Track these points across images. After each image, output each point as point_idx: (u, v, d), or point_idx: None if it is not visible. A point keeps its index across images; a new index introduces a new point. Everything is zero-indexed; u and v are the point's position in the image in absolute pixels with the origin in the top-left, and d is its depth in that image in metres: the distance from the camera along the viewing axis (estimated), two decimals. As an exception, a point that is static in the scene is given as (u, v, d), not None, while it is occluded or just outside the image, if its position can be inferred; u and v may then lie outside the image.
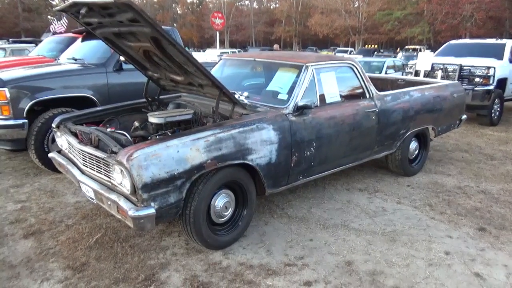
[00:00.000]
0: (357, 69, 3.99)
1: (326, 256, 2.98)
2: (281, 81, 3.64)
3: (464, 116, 5.43)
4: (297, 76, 3.51)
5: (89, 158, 2.96)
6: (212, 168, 2.78)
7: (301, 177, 3.52)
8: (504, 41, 8.87)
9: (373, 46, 38.23)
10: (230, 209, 3.08)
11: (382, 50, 33.52)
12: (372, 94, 4.05)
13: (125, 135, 3.04)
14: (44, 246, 3.08)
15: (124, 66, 5.07)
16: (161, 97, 4.04)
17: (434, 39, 38.16)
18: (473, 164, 5.39)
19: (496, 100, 8.03)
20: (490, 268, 2.85)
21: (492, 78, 7.70)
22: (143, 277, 2.68)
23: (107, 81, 4.98)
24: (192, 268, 2.81)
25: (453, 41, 9.88)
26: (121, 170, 2.56)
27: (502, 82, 8.06)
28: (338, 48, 38.17)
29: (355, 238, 3.26)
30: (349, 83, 4.00)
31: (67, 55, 5.67)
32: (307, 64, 3.54)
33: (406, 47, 34.50)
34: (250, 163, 2.99)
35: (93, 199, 3.01)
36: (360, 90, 4.02)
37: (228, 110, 3.24)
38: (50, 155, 3.72)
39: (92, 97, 4.82)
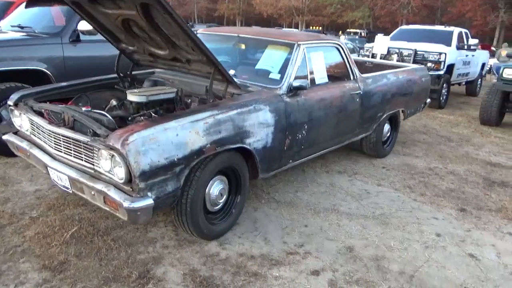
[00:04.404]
0: (343, 50, 3.89)
1: (325, 242, 2.90)
2: (271, 60, 3.43)
3: (428, 100, 5.62)
4: (289, 55, 3.32)
5: (65, 142, 2.57)
6: (211, 153, 2.54)
7: (291, 161, 3.38)
8: (451, 28, 9.33)
9: (316, 28, 38.78)
10: (224, 196, 2.87)
11: (325, 33, 34.06)
12: (356, 76, 3.99)
13: (105, 115, 2.67)
14: (8, 244, 2.66)
15: (82, 37, 4.52)
16: (133, 73, 3.64)
17: (373, 24, 39.59)
18: (435, 145, 5.63)
19: (445, 84, 8.48)
20: (481, 249, 2.96)
21: (443, 63, 8.07)
22: (137, 275, 2.40)
23: (63, 53, 4.39)
24: (189, 261, 2.58)
25: (404, 26, 10.24)
26: (112, 156, 2.24)
27: (450, 68, 8.50)
28: (284, 29, 38.20)
29: (348, 223, 3.21)
30: (334, 64, 3.90)
31: (10, 22, 4.93)
32: (299, 43, 3.36)
33: (348, 30, 35.39)
34: (248, 147, 2.79)
35: (67, 188, 2.63)
36: (345, 72, 3.93)
37: (218, 90, 2.98)
38: (4, 137, 3.21)
39: (46, 71, 4.24)
